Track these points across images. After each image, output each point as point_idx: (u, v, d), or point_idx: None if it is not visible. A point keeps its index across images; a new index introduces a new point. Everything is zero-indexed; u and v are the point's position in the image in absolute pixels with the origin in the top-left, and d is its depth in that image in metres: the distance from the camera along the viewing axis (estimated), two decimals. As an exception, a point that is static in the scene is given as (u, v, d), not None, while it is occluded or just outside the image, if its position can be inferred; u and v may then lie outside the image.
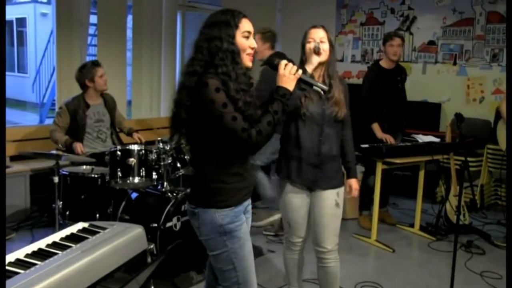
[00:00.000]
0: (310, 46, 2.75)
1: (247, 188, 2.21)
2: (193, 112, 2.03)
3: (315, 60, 2.71)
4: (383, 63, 4.78)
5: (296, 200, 2.87)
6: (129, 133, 4.57)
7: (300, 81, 2.23)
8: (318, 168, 2.81)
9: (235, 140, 2.01)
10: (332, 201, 2.85)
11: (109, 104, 4.46)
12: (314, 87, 2.32)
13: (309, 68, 2.70)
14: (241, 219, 2.16)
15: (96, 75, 4.22)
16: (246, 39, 2.11)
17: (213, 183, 2.11)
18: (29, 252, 2.01)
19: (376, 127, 4.66)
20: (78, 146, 4.04)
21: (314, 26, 2.81)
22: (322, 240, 2.87)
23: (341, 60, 7.01)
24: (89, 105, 4.29)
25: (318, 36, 2.76)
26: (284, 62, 2.18)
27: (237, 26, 2.08)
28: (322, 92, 2.35)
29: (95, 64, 4.28)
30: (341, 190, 2.90)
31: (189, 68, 2.05)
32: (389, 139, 4.61)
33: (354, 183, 3.00)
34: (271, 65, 2.22)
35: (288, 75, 2.15)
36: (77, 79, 4.30)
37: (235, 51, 2.06)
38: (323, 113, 2.78)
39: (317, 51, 2.71)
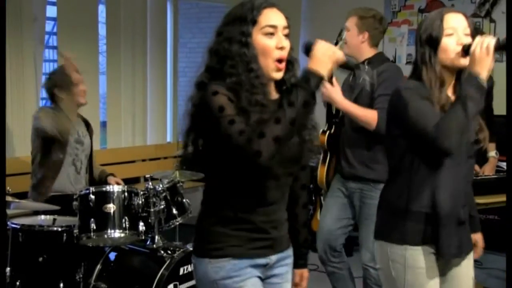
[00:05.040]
0: (456, 40, 2.46)
1: (263, 241, 2.18)
2: (198, 130, 2.15)
3: (463, 64, 2.46)
4: None
5: (432, 278, 2.60)
6: (101, 179, 4.56)
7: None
8: (462, 225, 2.59)
9: (232, 150, 1.97)
10: (470, 272, 2.69)
11: (90, 129, 4.51)
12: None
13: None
14: (242, 275, 2.13)
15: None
16: (269, 37, 2.09)
17: (211, 225, 2.16)
18: None
19: None
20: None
21: (450, 10, 2.55)
22: None
23: (393, 61, 6.94)
24: (69, 119, 4.28)
25: (462, 26, 2.49)
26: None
27: (254, 21, 2.08)
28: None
29: None
30: None
31: (197, 78, 2.16)
32: None
33: (480, 239, 2.85)
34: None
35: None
36: (46, 88, 4.33)
37: (248, 55, 2.07)
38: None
39: (467, 51, 2.42)
